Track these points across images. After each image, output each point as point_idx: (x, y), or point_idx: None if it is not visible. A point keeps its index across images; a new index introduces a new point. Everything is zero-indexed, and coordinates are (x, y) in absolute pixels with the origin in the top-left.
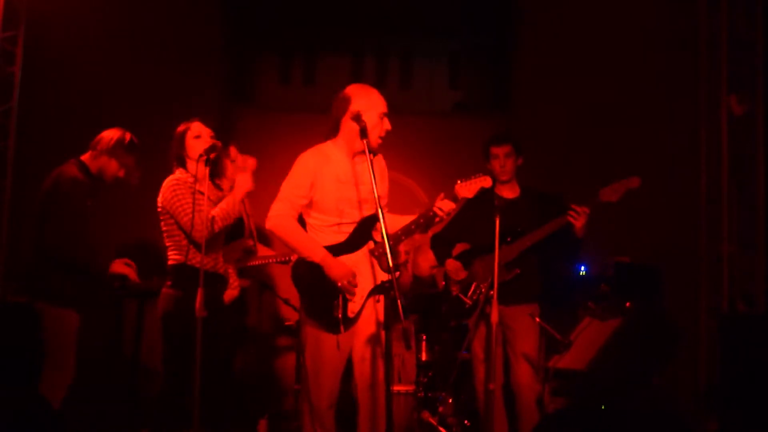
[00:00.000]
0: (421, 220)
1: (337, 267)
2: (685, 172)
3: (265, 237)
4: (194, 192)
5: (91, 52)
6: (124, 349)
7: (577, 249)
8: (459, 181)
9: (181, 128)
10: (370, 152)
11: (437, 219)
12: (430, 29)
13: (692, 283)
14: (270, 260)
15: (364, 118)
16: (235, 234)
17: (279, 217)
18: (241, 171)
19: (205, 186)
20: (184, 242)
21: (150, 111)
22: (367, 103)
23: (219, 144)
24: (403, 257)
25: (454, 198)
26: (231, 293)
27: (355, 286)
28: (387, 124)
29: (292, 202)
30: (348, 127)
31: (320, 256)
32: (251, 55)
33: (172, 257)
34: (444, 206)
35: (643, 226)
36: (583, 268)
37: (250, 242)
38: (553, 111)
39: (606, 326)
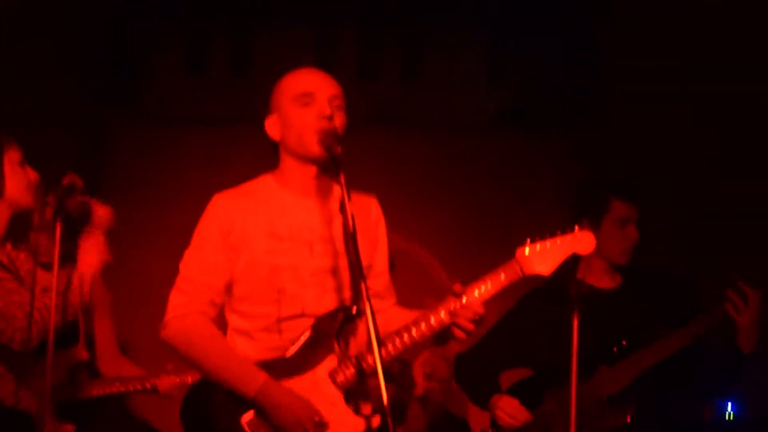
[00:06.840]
0: (439, 320)
1: (287, 404)
2: None
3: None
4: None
5: None
6: None
7: (736, 372)
8: (528, 241)
9: None
10: (323, 173)
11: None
12: None
13: None
14: (121, 388)
15: (281, 116)
16: (61, 340)
17: (179, 319)
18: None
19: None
20: None
21: None
22: (280, 92)
23: (80, 184)
24: (420, 386)
25: (514, 274)
26: None
27: None
28: (332, 115)
29: (200, 288)
30: (281, 147)
31: (256, 383)
32: (142, 31)
33: None
34: (474, 304)
35: None
36: (730, 406)
37: (84, 354)
38: (669, 126)
39: None
